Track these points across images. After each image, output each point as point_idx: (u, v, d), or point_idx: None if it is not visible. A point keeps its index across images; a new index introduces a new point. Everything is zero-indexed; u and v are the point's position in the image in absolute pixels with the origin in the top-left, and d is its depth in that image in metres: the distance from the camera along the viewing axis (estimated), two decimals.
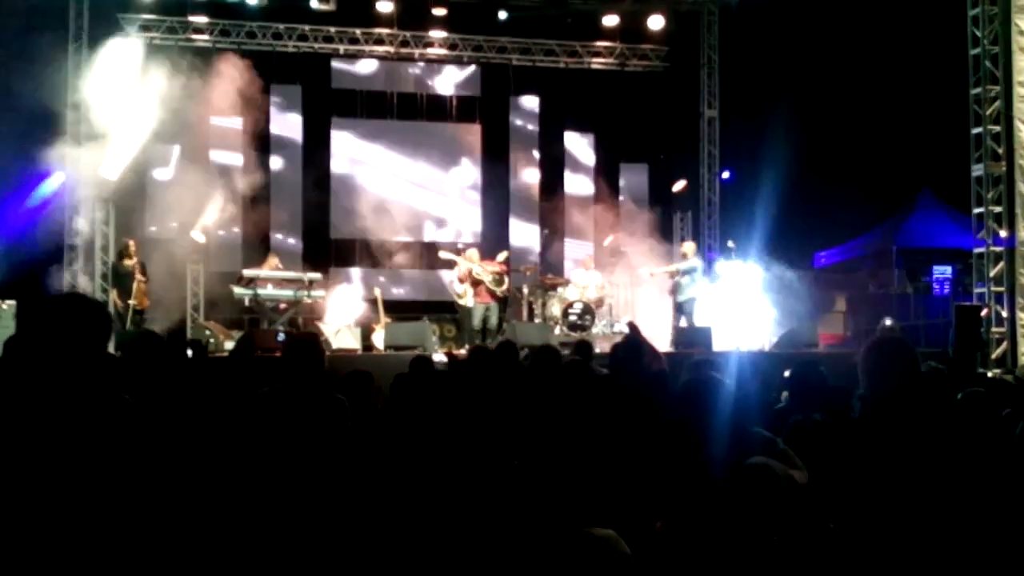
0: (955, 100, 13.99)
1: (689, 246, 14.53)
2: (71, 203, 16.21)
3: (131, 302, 13.66)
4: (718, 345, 13.09)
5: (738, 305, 14.56)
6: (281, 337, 11.36)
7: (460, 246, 15.44)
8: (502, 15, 17.53)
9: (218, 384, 5.07)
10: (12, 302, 12.95)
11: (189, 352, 10.75)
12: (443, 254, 14.66)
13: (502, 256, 14.65)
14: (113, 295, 14.03)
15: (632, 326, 6.59)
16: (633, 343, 5.78)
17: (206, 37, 17.73)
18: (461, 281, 14.17)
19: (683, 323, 13.92)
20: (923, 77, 16.30)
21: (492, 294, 14.13)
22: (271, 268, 14.46)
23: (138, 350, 4.77)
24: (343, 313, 14.78)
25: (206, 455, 3.99)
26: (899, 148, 17.36)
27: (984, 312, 13.16)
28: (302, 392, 4.61)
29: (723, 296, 14.72)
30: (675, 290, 14.23)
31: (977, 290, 13.73)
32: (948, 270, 16.51)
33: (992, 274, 13.46)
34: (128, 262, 14.01)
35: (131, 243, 14.35)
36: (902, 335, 13.88)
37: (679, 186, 18.41)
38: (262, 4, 16.70)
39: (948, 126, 14.69)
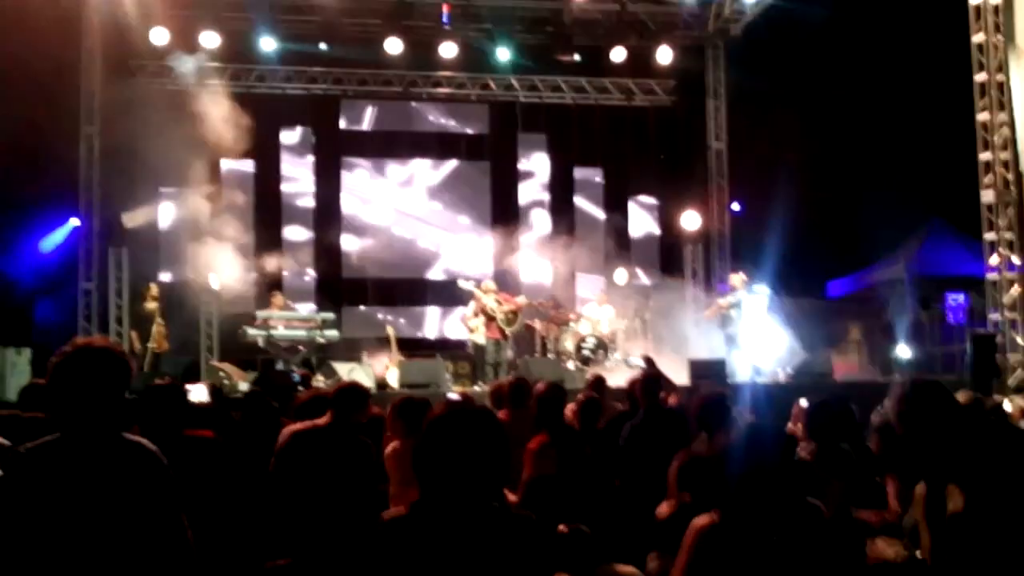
0: (962, 126, 14.00)
1: (737, 278, 14.45)
2: (85, 247, 16.30)
3: (150, 345, 13.73)
4: (732, 376, 13.06)
5: (751, 336, 14.50)
6: (296, 378, 11.35)
7: (472, 283, 15.46)
8: (504, 54, 17.58)
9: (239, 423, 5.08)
10: (27, 350, 12.98)
11: (203, 394, 10.79)
12: (461, 283, 14.73)
13: (520, 299, 14.75)
14: (132, 337, 14.09)
15: (648, 360, 6.60)
16: (650, 378, 5.78)
17: (217, 81, 17.88)
18: (475, 315, 14.30)
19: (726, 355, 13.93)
20: (930, 104, 16.34)
21: (502, 332, 14.23)
22: (278, 307, 14.51)
23: (160, 400, 4.78)
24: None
25: (234, 491, 3.99)
26: (909, 176, 17.36)
27: (999, 339, 13.09)
28: (336, 434, 4.64)
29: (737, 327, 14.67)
30: (724, 322, 14.22)
31: (991, 316, 13.67)
32: (961, 297, 16.44)
33: (1006, 300, 13.40)
34: (150, 305, 14.10)
35: (153, 287, 14.44)
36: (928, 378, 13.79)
37: (689, 220, 18.41)
38: (270, 49, 16.82)
39: (956, 152, 14.69)
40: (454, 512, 2.58)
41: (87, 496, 2.73)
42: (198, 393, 12.01)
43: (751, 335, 14.19)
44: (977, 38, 13.49)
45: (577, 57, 17.93)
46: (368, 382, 13.53)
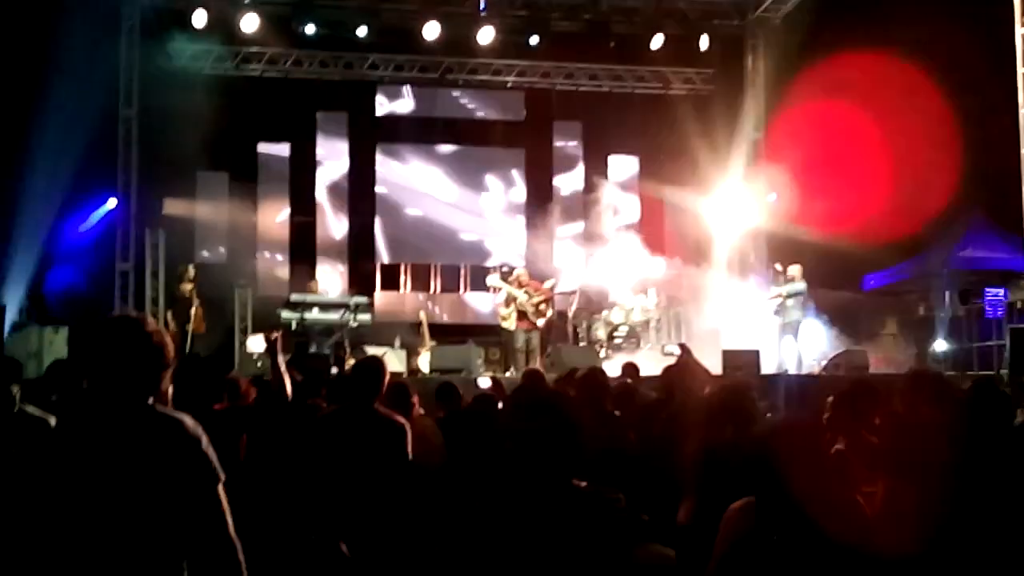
0: (1005, 119, 13.78)
1: (795, 268, 14.33)
2: (123, 229, 16.43)
3: (189, 327, 13.85)
4: (766, 368, 12.97)
5: (806, 327, 14.42)
6: (331, 361, 11.44)
7: (505, 269, 15.47)
8: (534, 40, 17.52)
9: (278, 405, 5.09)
10: (64, 329, 13.12)
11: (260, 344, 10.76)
12: (490, 280, 14.66)
13: (549, 283, 14.68)
14: (168, 317, 14.21)
15: (684, 348, 6.56)
16: (686, 366, 5.73)
17: (254, 65, 17.97)
18: (506, 304, 14.25)
19: (788, 348, 13.93)
20: (972, 97, 16.08)
21: (532, 324, 14.18)
22: (315, 292, 14.60)
23: (186, 373, 4.82)
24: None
25: (267, 473, 4.00)
26: (948, 169, 17.11)
27: None
28: (364, 413, 4.63)
29: (771, 319, 14.56)
30: (780, 312, 14.12)
31: None
32: (1001, 292, 16.20)
33: None
34: (186, 287, 14.21)
35: (190, 268, 14.55)
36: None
37: (726, 209, 18.25)
38: (310, 33, 16.85)
39: (998, 146, 14.47)
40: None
41: (115, 469, 2.70)
42: (255, 344, 12.28)
43: (806, 326, 14.15)
44: (1023, 29, 13.26)
45: (603, 44, 17.75)
46: (400, 367, 13.60)
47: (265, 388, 6.19)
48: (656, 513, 4.48)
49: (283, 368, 5.27)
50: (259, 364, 12.91)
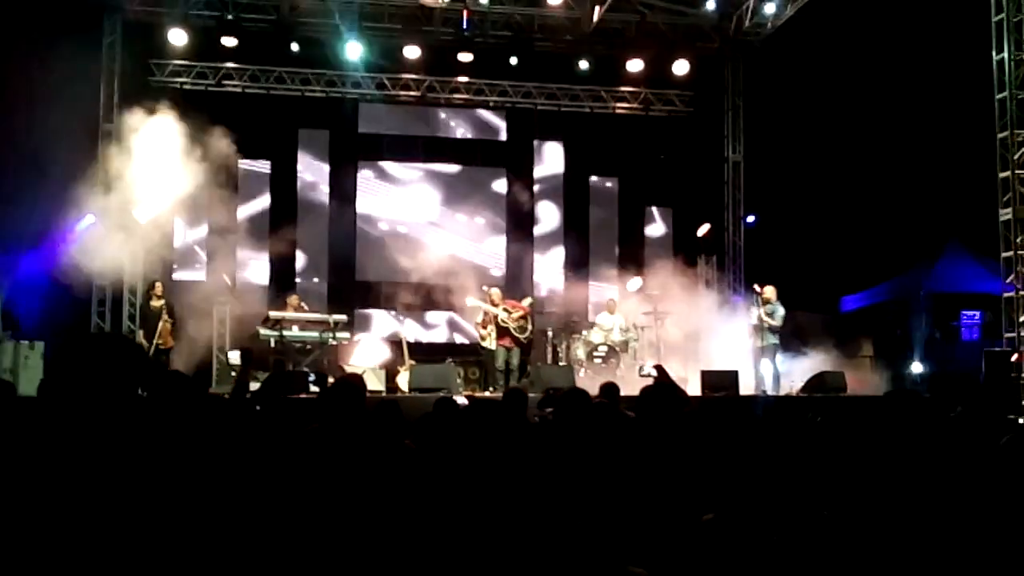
0: (982, 144, 13.94)
1: (771, 290, 14.36)
2: (100, 245, 16.35)
3: (156, 341, 13.81)
4: (744, 389, 13.03)
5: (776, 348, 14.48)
6: (312, 378, 11.38)
7: (484, 288, 15.48)
8: (515, 60, 17.59)
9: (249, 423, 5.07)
10: (40, 343, 13.04)
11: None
12: (470, 301, 14.67)
13: (527, 301, 14.76)
14: (140, 335, 14.17)
15: (660, 369, 6.59)
16: (662, 387, 5.75)
17: (236, 82, 17.96)
18: (484, 326, 14.27)
19: (765, 371, 13.93)
20: (949, 120, 16.29)
21: (516, 340, 14.22)
22: (293, 308, 14.54)
23: (166, 391, 4.80)
24: (368, 357, 14.83)
25: (248, 493, 3.97)
26: (926, 191, 17.30)
27: (1015, 358, 13.01)
28: (346, 432, 4.62)
29: (748, 340, 14.63)
30: (758, 333, 14.16)
31: (1007, 335, 13.58)
32: (977, 315, 16.38)
33: (1022, 319, 13.30)
34: (155, 303, 14.18)
35: (158, 284, 14.51)
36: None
37: (704, 230, 18.39)
38: (292, 50, 16.85)
39: (975, 170, 14.64)
40: None
41: (85, 486, 2.69)
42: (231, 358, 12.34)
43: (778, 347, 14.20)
44: (999, 56, 13.42)
45: (584, 65, 17.73)
46: (379, 385, 13.60)
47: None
48: (634, 533, 4.47)
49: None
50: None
